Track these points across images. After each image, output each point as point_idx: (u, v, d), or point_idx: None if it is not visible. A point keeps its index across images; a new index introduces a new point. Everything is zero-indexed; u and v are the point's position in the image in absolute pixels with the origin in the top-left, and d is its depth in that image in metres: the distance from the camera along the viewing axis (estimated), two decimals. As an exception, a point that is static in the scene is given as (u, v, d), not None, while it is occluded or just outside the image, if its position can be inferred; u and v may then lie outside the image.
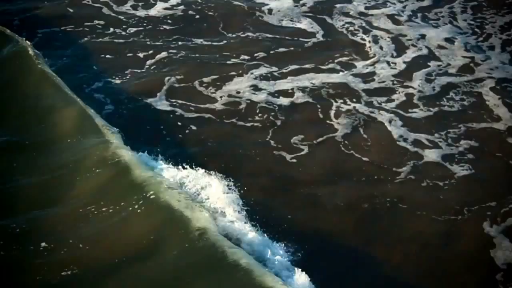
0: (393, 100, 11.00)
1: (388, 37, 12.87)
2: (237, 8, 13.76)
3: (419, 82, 11.46)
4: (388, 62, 12.02)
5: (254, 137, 9.94)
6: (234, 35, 12.70)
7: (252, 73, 11.49)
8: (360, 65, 11.94)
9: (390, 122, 10.45)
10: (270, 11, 13.65)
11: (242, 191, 8.54)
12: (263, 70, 11.63)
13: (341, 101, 10.91)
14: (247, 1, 14.01)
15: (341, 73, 11.68)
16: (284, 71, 11.63)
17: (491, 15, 13.76)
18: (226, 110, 10.51)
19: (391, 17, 13.64)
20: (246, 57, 11.97)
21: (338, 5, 13.99)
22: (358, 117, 10.54)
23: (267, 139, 9.89)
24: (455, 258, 8.16)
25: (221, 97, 10.80)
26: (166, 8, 13.52)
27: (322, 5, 13.89)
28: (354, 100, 10.95)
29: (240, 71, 11.51)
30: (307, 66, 11.81)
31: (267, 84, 11.24)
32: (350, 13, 13.72)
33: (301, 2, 14.01)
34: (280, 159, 9.52)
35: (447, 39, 12.84)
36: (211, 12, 13.51)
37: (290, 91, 11.09)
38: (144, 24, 12.91)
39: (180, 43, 12.35)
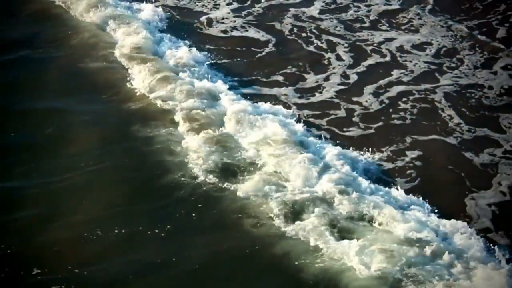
0: (328, 116, 10.74)
1: (349, 45, 12.63)
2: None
3: (368, 97, 11.13)
4: (342, 75, 11.73)
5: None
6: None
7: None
8: (310, 78, 11.69)
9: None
10: (210, 21, 13.50)
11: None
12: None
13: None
14: (181, 10, 13.94)
15: (283, 87, 11.46)
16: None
17: (448, 20, 13.46)
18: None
19: (352, 22, 13.42)
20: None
21: (293, 10, 13.76)
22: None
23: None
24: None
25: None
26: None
27: (272, 11, 13.72)
28: (283, 116, 10.75)
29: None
30: (244, 79, 11.65)
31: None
32: (307, 20, 13.45)
33: (247, 10, 13.86)
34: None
35: (414, 46, 12.58)
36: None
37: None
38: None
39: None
